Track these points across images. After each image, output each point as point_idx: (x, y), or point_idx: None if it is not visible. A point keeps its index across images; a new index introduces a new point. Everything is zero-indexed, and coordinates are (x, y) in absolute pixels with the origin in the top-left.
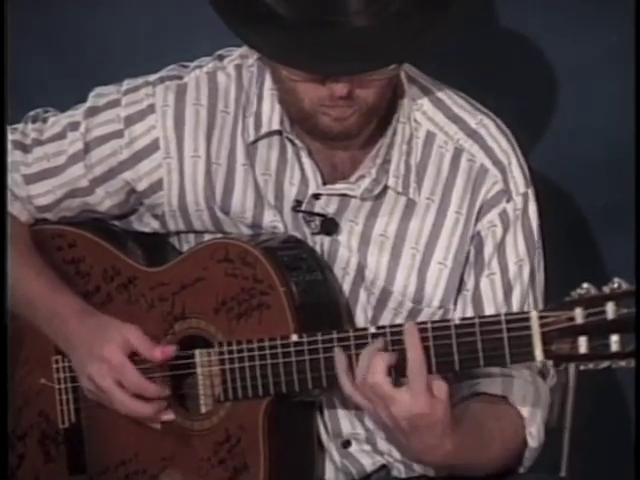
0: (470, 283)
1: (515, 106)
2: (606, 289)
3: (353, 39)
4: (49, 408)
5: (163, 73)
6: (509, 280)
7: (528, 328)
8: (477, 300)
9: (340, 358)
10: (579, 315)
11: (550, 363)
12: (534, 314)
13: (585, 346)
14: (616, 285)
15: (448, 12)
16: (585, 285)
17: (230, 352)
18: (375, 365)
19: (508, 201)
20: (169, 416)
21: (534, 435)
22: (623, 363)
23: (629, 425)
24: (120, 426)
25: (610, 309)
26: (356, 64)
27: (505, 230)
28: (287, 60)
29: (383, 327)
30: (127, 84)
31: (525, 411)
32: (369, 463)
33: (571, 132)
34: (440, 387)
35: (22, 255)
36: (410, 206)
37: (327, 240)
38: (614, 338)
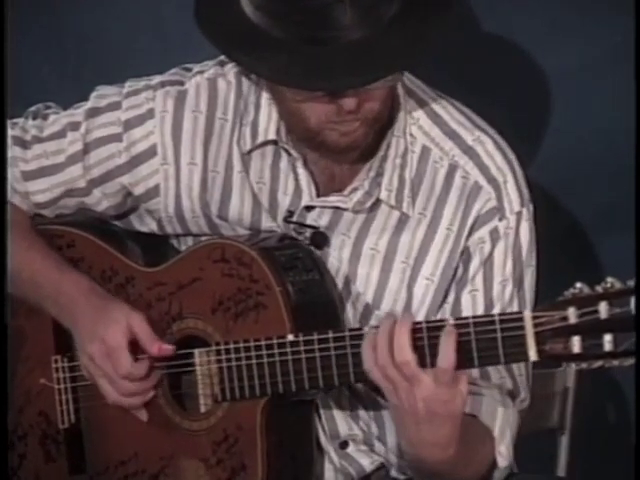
0: (451, 296)
1: (515, 106)
2: (599, 288)
3: (353, 52)
4: (49, 408)
5: (165, 77)
6: (491, 298)
7: (521, 328)
8: (456, 314)
9: (369, 337)
10: (572, 315)
11: (523, 383)
12: (527, 314)
13: (578, 346)
14: (609, 284)
15: (444, 16)
16: (578, 284)
17: (227, 352)
18: (402, 343)
19: (501, 219)
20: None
21: (504, 454)
22: (616, 362)
23: (629, 425)
24: (119, 426)
25: (603, 308)
26: (361, 76)
27: (493, 247)
28: (291, 82)
29: (378, 327)
30: (129, 86)
31: (495, 430)
32: (368, 463)
33: (571, 132)
34: (464, 381)
35: (26, 239)
36: (403, 220)
37: (317, 252)
38: (607, 337)
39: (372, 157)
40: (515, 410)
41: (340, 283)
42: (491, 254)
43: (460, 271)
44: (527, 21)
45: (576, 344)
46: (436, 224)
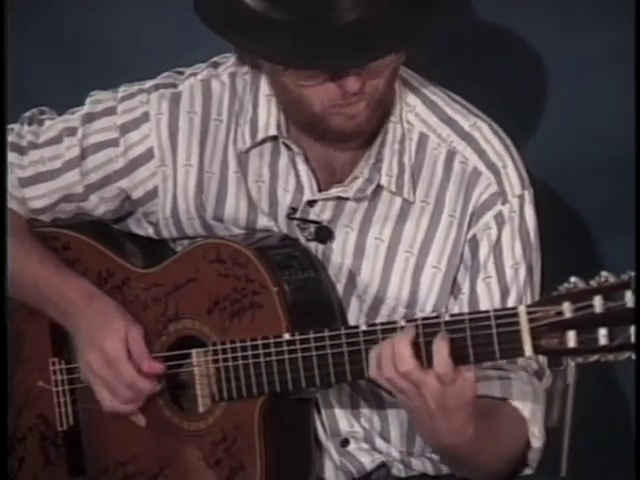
0: (466, 287)
1: (515, 105)
2: (593, 283)
3: (355, 31)
4: (47, 410)
5: (158, 80)
6: (506, 283)
7: (517, 323)
8: (474, 303)
9: (372, 355)
10: (567, 309)
11: (545, 363)
12: (522, 309)
13: (574, 340)
14: (603, 279)
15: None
16: (573, 279)
17: (224, 352)
18: (403, 355)
19: (504, 203)
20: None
21: (537, 435)
22: (611, 357)
23: (629, 425)
24: (118, 428)
25: (598, 303)
26: (364, 54)
27: (500, 232)
28: (293, 62)
29: (374, 324)
30: (123, 91)
31: (526, 412)
32: (368, 461)
33: (571, 132)
34: (468, 369)
35: (25, 243)
36: (405, 208)
37: (320, 247)
38: (602, 332)
39: (370, 147)
40: (542, 390)
41: (344, 278)
42: (499, 239)
43: (470, 259)
44: (528, 20)
45: (571, 339)
46: (439, 212)
